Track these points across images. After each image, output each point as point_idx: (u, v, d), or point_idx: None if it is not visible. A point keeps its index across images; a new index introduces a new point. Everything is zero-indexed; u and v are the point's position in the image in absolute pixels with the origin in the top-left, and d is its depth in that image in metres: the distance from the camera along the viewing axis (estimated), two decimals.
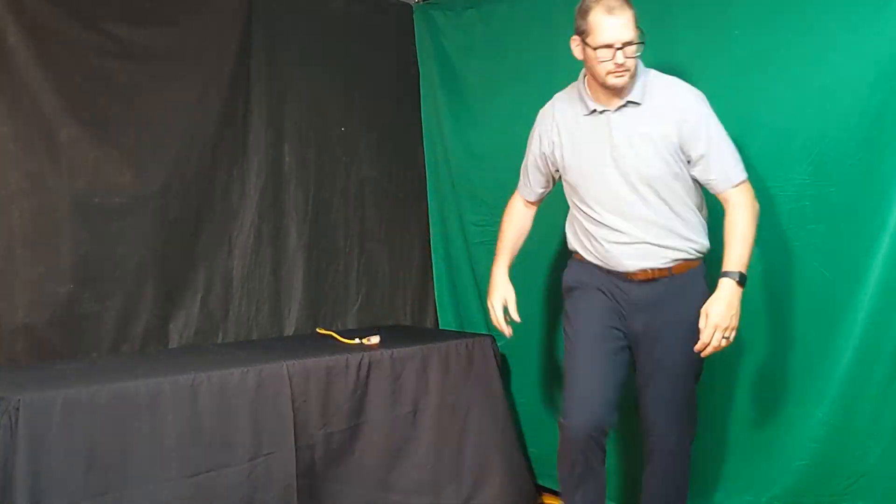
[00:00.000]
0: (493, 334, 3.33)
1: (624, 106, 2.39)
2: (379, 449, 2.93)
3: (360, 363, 2.89)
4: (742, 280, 2.30)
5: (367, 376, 2.90)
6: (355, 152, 3.67)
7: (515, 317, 2.64)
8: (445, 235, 3.82)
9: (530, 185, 2.71)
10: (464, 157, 3.68)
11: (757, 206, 2.38)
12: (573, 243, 2.61)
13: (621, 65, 2.29)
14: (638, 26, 2.28)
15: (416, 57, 3.86)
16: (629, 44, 2.27)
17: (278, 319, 3.46)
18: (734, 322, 2.30)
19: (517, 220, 2.75)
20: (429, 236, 3.88)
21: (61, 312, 2.88)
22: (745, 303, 2.73)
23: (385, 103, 3.77)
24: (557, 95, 2.62)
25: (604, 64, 2.30)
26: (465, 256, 3.71)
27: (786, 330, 2.66)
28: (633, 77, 2.35)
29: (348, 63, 3.65)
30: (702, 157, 2.37)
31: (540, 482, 3.43)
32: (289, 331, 3.48)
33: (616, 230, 2.44)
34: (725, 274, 2.31)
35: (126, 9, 3.03)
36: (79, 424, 2.29)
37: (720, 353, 2.80)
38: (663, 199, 2.41)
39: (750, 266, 2.70)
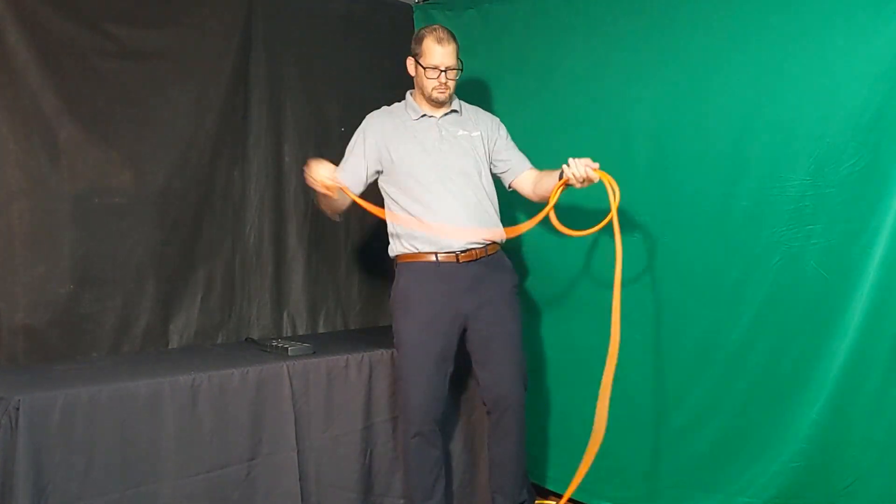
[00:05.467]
0: None
1: (447, 114, 2.96)
2: (380, 451, 2.93)
3: (360, 363, 2.89)
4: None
5: (369, 377, 2.90)
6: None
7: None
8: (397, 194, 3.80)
9: (348, 177, 2.90)
10: None
11: None
12: (398, 248, 2.94)
13: (444, 84, 2.87)
14: (459, 57, 2.88)
15: None
16: (451, 69, 2.86)
17: (278, 320, 3.46)
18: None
19: None
20: None
21: (61, 312, 2.88)
22: (742, 303, 2.75)
23: (385, 103, 3.76)
24: (384, 109, 3.06)
25: (430, 81, 2.87)
26: None
27: (783, 330, 2.66)
28: (451, 96, 2.95)
29: (348, 63, 3.65)
30: (508, 151, 3.00)
31: (538, 482, 3.43)
32: (289, 331, 3.48)
33: (442, 208, 2.84)
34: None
35: (126, 9, 3.03)
36: (79, 424, 2.29)
37: (715, 354, 2.82)
38: (480, 187, 2.91)
39: (748, 265, 2.72)
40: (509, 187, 3.04)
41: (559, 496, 3.38)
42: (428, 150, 2.90)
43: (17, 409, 2.19)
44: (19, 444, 2.18)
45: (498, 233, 2.93)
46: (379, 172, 2.95)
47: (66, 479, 2.26)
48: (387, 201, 2.96)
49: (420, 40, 2.89)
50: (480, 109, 3.09)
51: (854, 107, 2.46)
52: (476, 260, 2.87)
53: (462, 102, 3.03)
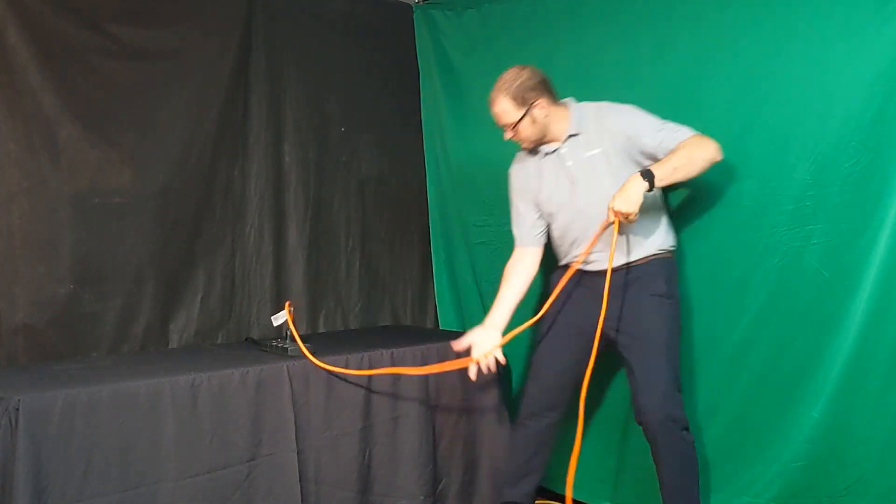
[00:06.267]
0: None
1: (566, 140, 2.77)
2: (380, 451, 2.93)
3: (360, 363, 2.89)
4: (647, 176, 2.52)
5: (369, 377, 2.90)
6: (355, 152, 3.67)
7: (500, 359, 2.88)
8: (446, 235, 3.82)
9: (519, 230, 2.95)
10: (464, 156, 3.68)
11: (711, 144, 2.58)
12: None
13: (514, 137, 2.79)
14: (521, 100, 2.70)
15: (416, 57, 3.86)
16: (508, 125, 2.75)
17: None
18: (628, 202, 2.51)
19: (515, 270, 2.93)
20: (429, 236, 3.88)
21: (61, 312, 2.89)
22: (743, 302, 2.75)
23: (385, 103, 3.77)
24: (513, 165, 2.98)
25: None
26: (465, 256, 3.71)
27: (784, 330, 2.66)
28: (533, 139, 2.78)
29: (348, 63, 3.65)
30: (657, 139, 2.65)
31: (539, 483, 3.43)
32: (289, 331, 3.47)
33: (582, 241, 2.76)
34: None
35: (126, 9, 3.03)
36: (79, 424, 2.29)
37: (717, 354, 2.82)
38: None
39: (748, 265, 2.72)
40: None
41: (558, 496, 3.38)
42: (556, 186, 2.80)
43: (17, 409, 2.19)
44: (19, 444, 2.18)
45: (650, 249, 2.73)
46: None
47: (65, 479, 2.25)
48: None
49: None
50: (602, 110, 2.78)
51: (854, 107, 2.46)
52: (618, 270, 2.70)
53: (583, 111, 2.78)
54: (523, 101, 2.71)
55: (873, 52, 2.42)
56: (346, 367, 2.85)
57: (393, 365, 2.97)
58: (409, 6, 3.86)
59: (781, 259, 2.64)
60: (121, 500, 2.34)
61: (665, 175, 2.53)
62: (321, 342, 3.06)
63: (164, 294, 3.13)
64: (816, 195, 2.55)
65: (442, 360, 3.09)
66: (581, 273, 2.80)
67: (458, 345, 2.89)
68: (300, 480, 2.70)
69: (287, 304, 2.92)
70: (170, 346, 3.16)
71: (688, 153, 2.56)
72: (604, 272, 2.67)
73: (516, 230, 2.95)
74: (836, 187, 2.50)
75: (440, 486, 3.11)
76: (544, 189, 2.83)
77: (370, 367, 2.91)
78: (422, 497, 3.00)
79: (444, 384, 3.11)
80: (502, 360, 2.87)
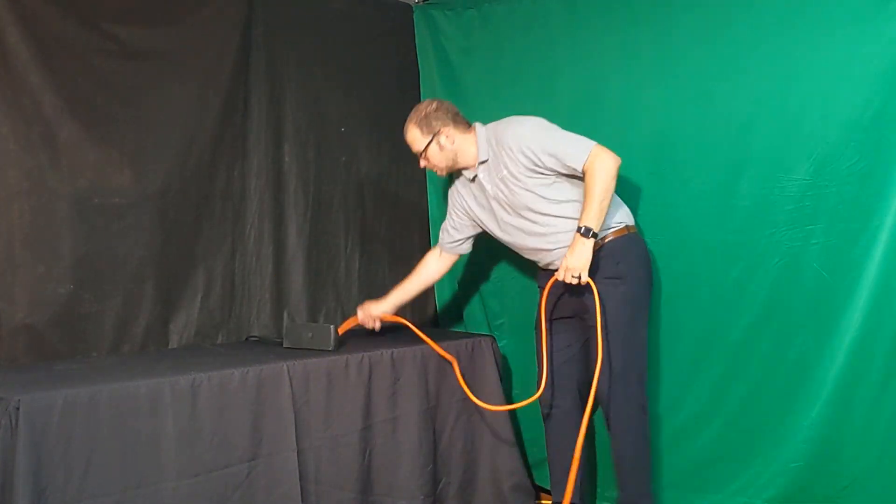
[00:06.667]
0: (493, 335, 3.36)
1: (479, 165, 2.94)
2: (380, 451, 2.93)
3: (360, 363, 2.89)
4: (585, 232, 2.67)
5: (369, 377, 2.90)
6: (355, 152, 3.67)
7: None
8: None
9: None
10: None
11: (609, 162, 2.69)
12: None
13: (424, 166, 3.04)
14: (426, 128, 2.93)
15: (416, 57, 3.86)
16: (418, 153, 2.99)
17: (278, 319, 3.46)
18: (576, 264, 2.68)
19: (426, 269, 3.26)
20: (429, 236, 3.88)
21: (61, 312, 2.88)
22: (742, 303, 2.75)
23: (385, 103, 3.77)
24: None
25: None
26: (465, 256, 3.71)
27: (783, 330, 2.66)
28: (443, 166, 3.00)
29: (348, 63, 3.65)
30: (552, 158, 2.77)
31: (538, 483, 3.43)
32: None
33: (531, 249, 2.95)
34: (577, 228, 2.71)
35: (126, 9, 3.03)
36: (79, 424, 2.28)
37: (715, 354, 2.82)
38: (548, 215, 2.84)
39: (748, 265, 2.72)
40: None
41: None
42: (489, 210, 3.00)
43: (17, 409, 2.18)
44: (19, 444, 2.17)
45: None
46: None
47: (65, 479, 2.25)
48: None
49: None
50: (500, 131, 2.91)
51: (854, 107, 2.46)
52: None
53: (488, 135, 2.93)
54: (429, 129, 2.94)
55: (873, 52, 2.42)
56: (346, 366, 2.85)
57: (393, 364, 2.97)
58: (409, 6, 3.86)
59: (781, 259, 2.64)
60: (121, 500, 2.34)
61: (598, 219, 2.69)
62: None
63: (164, 294, 3.13)
64: (816, 195, 2.55)
65: (443, 360, 3.10)
66: (551, 273, 2.90)
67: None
68: (300, 480, 2.70)
69: None
70: (170, 346, 3.16)
71: (602, 183, 2.68)
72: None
73: (441, 233, 3.22)
74: (835, 188, 2.51)
75: (440, 486, 3.11)
76: (477, 212, 3.05)
77: (370, 367, 2.91)
78: (422, 497, 3.00)
79: (444, 384, 3.11)
80: (377, 326, 3.19)
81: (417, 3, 3.85)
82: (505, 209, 2.93)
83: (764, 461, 2.71)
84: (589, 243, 2.67)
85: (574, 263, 2.68)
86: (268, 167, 3.42)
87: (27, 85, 2.80)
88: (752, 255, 2.71)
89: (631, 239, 2.84)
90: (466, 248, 3.21)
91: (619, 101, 3.07)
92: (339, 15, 3.64)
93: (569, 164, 2.74)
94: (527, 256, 3.02)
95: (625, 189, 3.04)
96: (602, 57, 3.13)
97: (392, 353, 2.98)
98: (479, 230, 3.13)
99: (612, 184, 2.70)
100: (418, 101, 3.82)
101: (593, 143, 2.72)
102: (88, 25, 2.94)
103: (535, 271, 3.10)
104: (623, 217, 2.86)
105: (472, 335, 3.40)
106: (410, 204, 3.86)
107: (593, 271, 2.73)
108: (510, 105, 3.42)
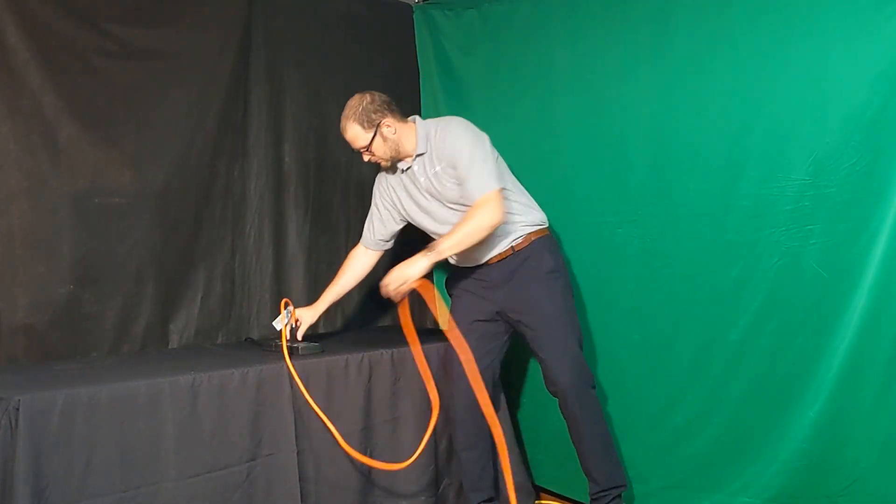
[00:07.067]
0: None
1: (415, 159, 2.97)
2: (381, 451, 2.93)
3: (360, 363, 2.89)
4: (433, 252, 2.76)
5: (369, 377, 2.90)
6: (355, 152, 3.66)
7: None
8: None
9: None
10: None
11: (495, 215, 2.78)
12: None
13: (369, 160, 2.99)
14: (367, 123, 2.91)
15: (416, 57, 3.86)
16: (361, 149, 2.96)
17: None
18: (410, 273, 2.77)
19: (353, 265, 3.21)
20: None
21: (61, 312, 2.88)
22: (741, 303, 2.75)
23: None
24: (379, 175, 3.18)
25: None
26: None
27: (782, 330, 2.66)
28: (388, 157, 2.98)
29: (348, 63, 3.65)
30: (462, 178, 2.85)
31: (538, 483, 3.44)
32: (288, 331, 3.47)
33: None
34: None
35: (126, 9, 3.03)
36: (79, 424, 2.29)
37: (715, 354, 2.82)
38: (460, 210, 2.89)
39: (747, 265, 2.72)
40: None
41: (557, 496, 3.39)
42: (419, 202, 3.02)
43: (17, 409, 2.19)
44: (19, 444, 2.18)
45: (517, 234, 2.94)
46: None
47: (65, 480, 2.25)
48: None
49: None
50: (439, 130, 2.96)
51: (854, 107, 2.46)
52: (504, 259, 2.95)
53: (428, 129, 2.98)
54: (370, 122, 2.91)
55: (873, 52, 2.42)
56: (346, 366, 2.85)
57: (393, 364, 2.97)
58: (409, 6, 3.86)
59: (780, 259, 2.64)
60: (120, 500, 2.34)
61: (450, 248, 2.79)
62: (322, 342, 3.06)
63: (164, 294, 3.13)
64: (815, 195, 2.55)
65: (442, 360, 3.10)
66: (468, 269, 3.02)
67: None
68: (300, 480, 2.70)
69: (283, 302, 2.98)
70: (170, 346, 3.16)
71: (478, 226, 2.78)
72: (491, 262, 2.95)
73: (366, 230, 3.20)
74: (835, 188, 2.50)
75: (441, 487, 3.11)
76: (405, 203, 3.06)
77: (370, 367, 2.91)
78: (423, 498, 3.01)
79: (444, 384, 3.11)
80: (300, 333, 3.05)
81: (417, 2, 3.85)
82: (439, 201, 2.96)
83: (764, 461, 2.71)
84: (425, 263, 2.76)
85: (409, 272, 2.75)
86: (268, 167, 3.42)
87: (27, 85, 2.80)
88: (751, 255, 2.71)
89: (552, 237, 3.03)
90: (390, 244, 3.22)
91: (618, 101, 3.07)
92: (339, 15, 3.65)
93: (467, 189, 2.83)
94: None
95: (624, 188, 3.05)
96: (601, 57, 3.12)
97: (392, 353, 2.98)
98: (404, 225, 3.15)
99: (483, 234, 2.80)
100: (418, 100, 3.85)
101: (498, 187, 2.82)
102: (88, 25, 2.94)
103: None
104: (543, 218, 3.02)
105: None
106: None
107: (530, 268, 2.88)
108: (510, 105, 3.43)
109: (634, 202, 3.02)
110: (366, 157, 2.99)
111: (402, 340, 3.12)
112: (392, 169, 3.06)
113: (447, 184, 2.91)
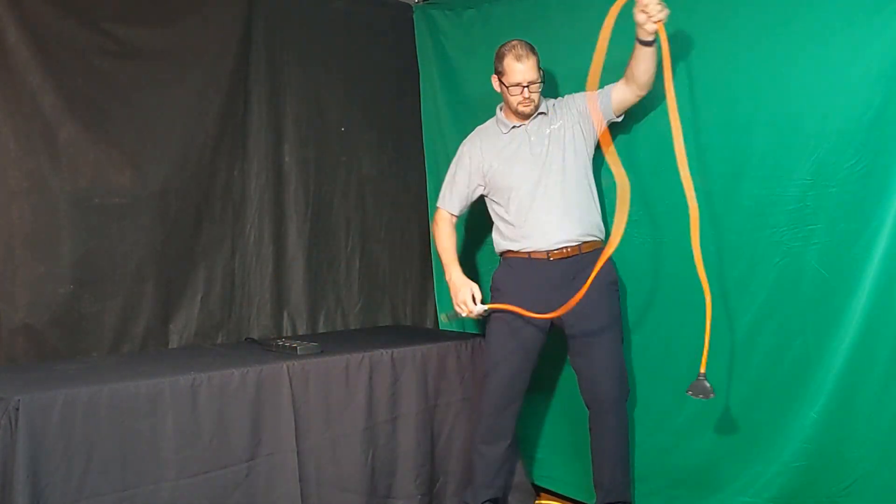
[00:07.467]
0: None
1: (535, 117, 2.99)
2: (380, 451, 2.93)
3: (360, 363, 2.89)
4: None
5: (369, 377, 2.90)
6: (355, 152, 3.67)
7: (480, 307, 2.97)
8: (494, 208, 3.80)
9: (455, 200, 3.14)
10: None
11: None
12: (500, 246, 3.06)
13: (528, 98, 2.92)
14: (541, 68, 2.91)
15: (416, 56, 3.86)
16: (533, 83, 2.90)
17: (278, 319, 3.46)
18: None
19: (451, 231, 3.17)
20: (429, 236, 3.88)
21: (61, 312, 2.89)
22: (743, 302, 2.75)
23: (385, 103, 3.77)
24: (478, 129, 3.15)
25: (515, 97, 2.93)
26: (467, 257, 3.70)
27: (783, 330, 2.66)
28: (538, 104, 2.97)
29: (348, 63, 3.65)
30: (596, 102, 2.88)
31: (538, 483, 3.43)
32: (289, 331, 3.48)
33: (537, 214, 2.92)
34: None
35: (126, 9, 3.03)
36: (79, 424, 2.29)
37: (716, 354, 2.82)
38: (577, 185, 2.93)
39: (749, 265, 2.72)
40: (617, 114, 2.94)
41: (558, 496, 3.38)
42: (521, 160, 2.96)
43: (17, 409, 2.19)
44: (19, 444, 2.18)
45: (591, 235, 2.94)
46: (482, 190, 3.08)
47: (65, 480, 2.25)
48: (491, 213, 3.09)
49: (501, 59, 2.95)
50: (567, 96, 3.06)
51: (854, 107, 2.46)
52: (568, 258, 2.90)
53: (551, 100, 3.04)
54: (539, 67, 2.92)
55: (873, 52, 2.42)
56: (347, 366, 2.85)
57: (393, 364, 2.97)
58: (409, 6, 3.86)
59: (781, 259, 2.64)
60: (120, 500, 2.34)
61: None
62: (321, 342, 3.06)
63: (164, 294, 3.13)
64: (817, 195, 2.55)
65: (442, 359, 3.10)
66: (524, 263, 2.96)
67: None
68: (300, 481, 2.70)
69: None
70: (170, 346, 3.16)
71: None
72: (553, 256, 2.90)
73: (450, 196, 3.13)
74: (836, 187, 2.50)
75: (437, 485, 3.11)
76: (499, 163, 3.00)
77: (370, 367, 2.91)
78: (419, 496, 3.01)
79: (443, 384, 3.11)
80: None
81: (417, 2, 3.85)
82: (541, 162, 2.93)
83: (765, 461, 2.71)
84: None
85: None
86: (268, 167, 3.42)
87: (27, 85, 2.81)
88: (752, 255, 2.70)
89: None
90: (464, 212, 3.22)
91: None
92: (339, 14, 3.65)
93: (607, 96, 2.90)
94: (521, 230, 2.97)
95: (639, 194, 3.03)
96: None
97: (392, 353, 2.98)
98: (475, 196, 3.11)
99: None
100: (418, 100, 3.85)
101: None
102: (88, 25, 2.94)
103: None
104: (604, 230, 2.98)
105: (472, 335, 3.39)
106: (410, 204, 3.86)
107: (601, 276, 2.74)
108: None
109: (636, 202, 3.01)
110: (523, 94, 2.91)
111: (402, 341, 3.13)
112: (493, 131, 3.05)
113: (561, 143, 2.92)
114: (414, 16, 3.85)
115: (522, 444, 3.43)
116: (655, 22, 2.56)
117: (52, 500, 2.23)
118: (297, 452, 2.70)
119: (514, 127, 3.00)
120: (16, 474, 2.17)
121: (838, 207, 2.50)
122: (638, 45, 2.69)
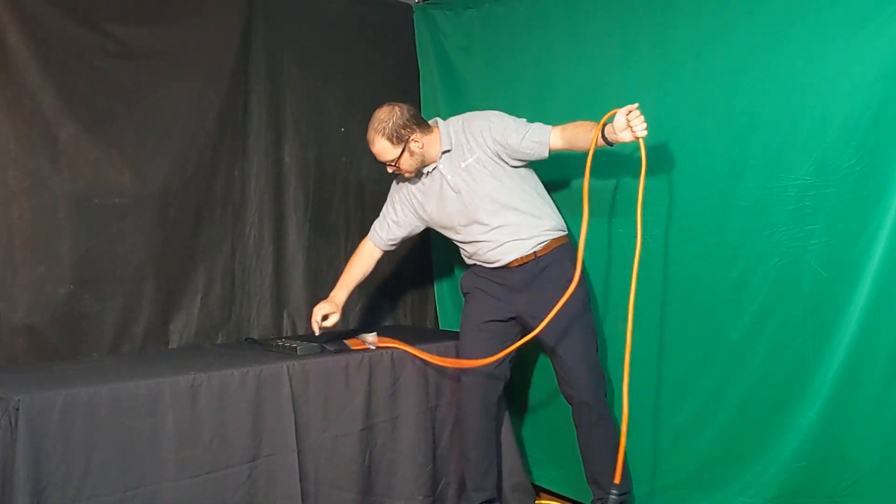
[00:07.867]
0: None
1: (441, 158, 2.96)
2: (380, 451, 2.93)
3: (360, 363, 2.89)
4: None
5: (369, 377, 2.90)
6: (355, 152, 3.67)
7: (317, 329, 3.04)
8: (445, 235, 3.81)
9: (384, 233, 3.18)
10: None
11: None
12: (463, 257, 3.14)
13: (396, 168, 2.96)
14: (396, 139, 2.88)
15: (416, 57, 3.86)
16: (389, 163, 2.94)
17: (278, 319, 3.46)
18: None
19: (363, 260, 3.20)
20: (429, 236, 3.88)
21: (61, 312, 2.89)
22: (742, 303, 2.75)
23: (385, 103, 3.76)
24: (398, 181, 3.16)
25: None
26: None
27: (783, 330, 2.66)
28: (415, 165, 2.95)
29: (348, 63, 3.65)
30: (520, 135, 2.86)
31: (538, 483, 3.44)
32: (288, 331, 3.48)
33: (482, 242, 2.96)
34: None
35: (126, 9, 3.03)
36: (79, 424, 2.29)
37: (715, 354, 2.82)
38: (517, 200, 2.92)
39: (748, 265, 2.72)
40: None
41: (557, 496, 3.39)
42: (448, 198, 2.98)
43: (17, 409, 2.19)
44: (19, 444, 2.18)
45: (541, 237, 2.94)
46: (423, 225, 3.15)
47: (65, 480, 2.25)
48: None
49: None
50: (467, 121, 2.99)
51: (854, 107, 2.46)
52: (526, 263, 2.94)
53: (451, 127, 2.98)
54: (399, 138, 2.89)
55: (873, 52, 2.42)
56: (347, 366, 2.85)
57: (393, 364, 2.97)
58: (409, 6, 3.86)
59: (780, 259, 2.64)
60: (120, 500, 2.34)
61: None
62: (321, 342, 3.06)
63: (164, 294, 3.13)
64: (816, 195, 2.55)
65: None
66: (487, 270, 3.01)
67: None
68: (300, 480, 2.70)
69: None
70: (170, 346, 3.16)
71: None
72: (512, 265, 2.93)
73: (378, 230, 3.17)
74: (835, 188, 2.50)
75: (440, 487, 3.11)
76: (430, 205, 3.03)
77: (370, 367, 2.91)
78: (420, 497, 3.01)
79: (443, 384, 3.12)
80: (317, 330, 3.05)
81: (417, 2, 3.85)
82: (464, 197, 2.94)
83: (765, 461, 2.71)
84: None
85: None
86: (268, 167, 3.42)
87: (27, 85, 2.81)
88: (751, 255, 2.71)
89: (570, 245, 2.99)
90: (396, 247, 3.24)
91: (618, 102, 3.05)
92: (339, 14, 3.65)
93: (532, 136, 2.88)
94: (472, 250, 3.03)
95: (624, 189, 3.04)
96: (601, 57, 3.12)
97: (392, 353, 2.98)
98: (420, 231, 3.17)
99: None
100: (418, 100, 3.85)
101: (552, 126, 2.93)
102: (88, 25, 2.94)
103: None
104: (563, 224, 3.02)
105: None
106: None
107: (552, 276, 2.87)
108: (510, 104, 3.41)
109: (635, 203, 3.01)
110: (390, 170, 2.98)
111: (402, 340, 3.13)
112: (416, 176, 3.04)
113: (481, 175, 2.90)
114: (414, 16, 3.86)
115: (522, 445, 3.43)
116: (635, 137, 2.60)
117: (52, 500, 2.23)
118: (298, 452, 2.71)
119: (428, 172, 3.00)
120: (16, 474, 2.17)
121: (838, 207, 2.50)
122: (598, 137, 2.69)
